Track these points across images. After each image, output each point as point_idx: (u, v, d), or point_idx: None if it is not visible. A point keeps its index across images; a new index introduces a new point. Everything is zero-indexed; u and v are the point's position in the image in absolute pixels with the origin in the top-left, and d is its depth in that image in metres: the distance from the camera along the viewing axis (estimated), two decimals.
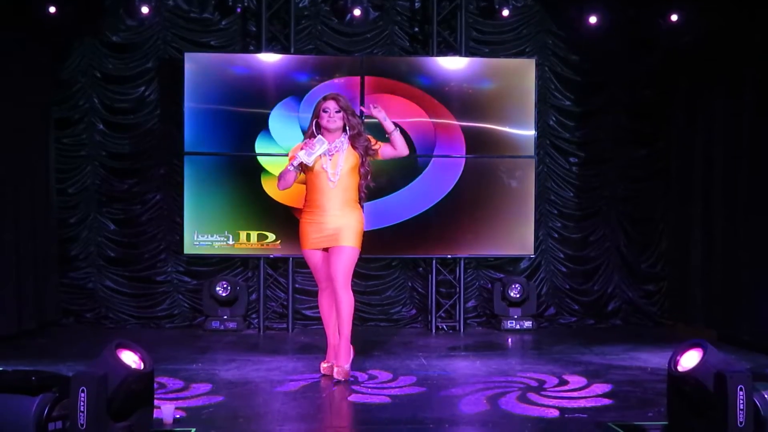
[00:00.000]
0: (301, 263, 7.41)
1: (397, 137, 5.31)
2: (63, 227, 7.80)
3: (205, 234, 7.43)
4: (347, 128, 5.31)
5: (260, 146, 7.46)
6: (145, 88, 7.88)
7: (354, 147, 5.30)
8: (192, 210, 7.43)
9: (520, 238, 7.65)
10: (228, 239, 7.45)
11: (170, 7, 7.85)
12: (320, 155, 5.19)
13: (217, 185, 7.46)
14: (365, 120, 7.31)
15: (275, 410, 4.64)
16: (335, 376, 5.26)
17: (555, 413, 4.51)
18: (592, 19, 7.67)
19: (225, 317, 7.57)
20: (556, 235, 8.22)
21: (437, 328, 7.76)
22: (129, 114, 7.91)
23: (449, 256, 7.77)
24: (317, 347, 6.41)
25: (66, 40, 7.70)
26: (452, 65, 7.63)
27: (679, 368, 3.88)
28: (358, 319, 8.00)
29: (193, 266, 7.95)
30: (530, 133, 7.65)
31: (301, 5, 7.93)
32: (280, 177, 5.28)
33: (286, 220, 7.29)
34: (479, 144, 7.61)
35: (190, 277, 7.97)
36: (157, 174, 7.91)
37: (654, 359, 6.11)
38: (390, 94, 7.51)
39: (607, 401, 4.81)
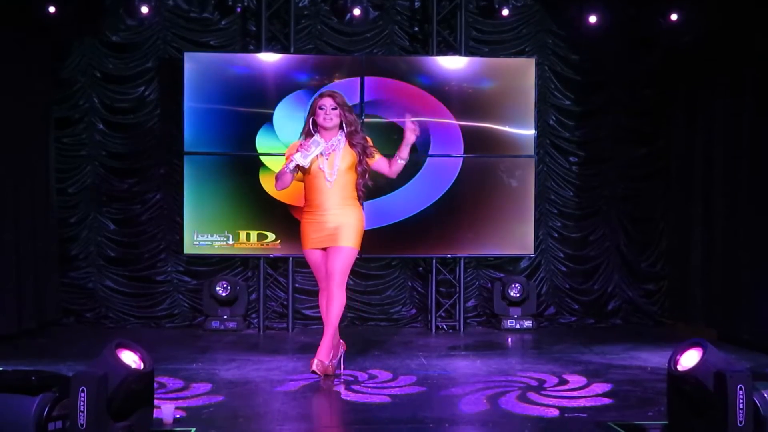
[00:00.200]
0: (301, 263, 7.41)
1: (401, 165, 5.32)
2: (63, 227, 7.80)
3: (205, 234, 7.43)
4: (344, 125, 5.28)
5: (261, 139, 7.44)
6: (145, 87, 7.88)
7: (351, 144, 5.27)
8: (192, 210, 7.43)
9: (519, 238, 7.66)
10: (228, 239, 7.45)
11: (170, 7, 7.86)
12: (316, 155, 5.16)
13: (217, 185, 7.46)
14: (365, 120, 7.38)
15: (275, 410, 4.64)
16: (313, 367, 5.13)
17: (555, 413, 4.51)
18: (592, 19, 7.67)
19: (225, 317, 7.57)
20: (556, 235, 8.23)
21: (437, 327, 7.77)
22: (129, 114, 7.91)
23: (449, 256, 7.77)
24: (317, 347, 6.39)
25: (66, 39, 7.70)
26: (452, 65, 7.63)
27: (679, 367, 3.88)
28: (359, 318, 8.01)
29: (193, 266, 7.95)
30: (530, 132, 7.65)
31: (300, 5, 7.93)
32: (278, 178, 5.26)
33: (286, 220, 7.29)
34: (479, 143, 7.61)
35: (190, 277, 7.97)
36: (157, 174, 7.91)
37: (654, 358, 6.11)
38: (389, 93, 7.51)
39: (607, 401, 4.81)
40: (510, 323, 7.72)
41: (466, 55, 7.79)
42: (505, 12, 7.81)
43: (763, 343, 6.39)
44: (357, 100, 7.43)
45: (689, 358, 3.86)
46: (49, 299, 7.48)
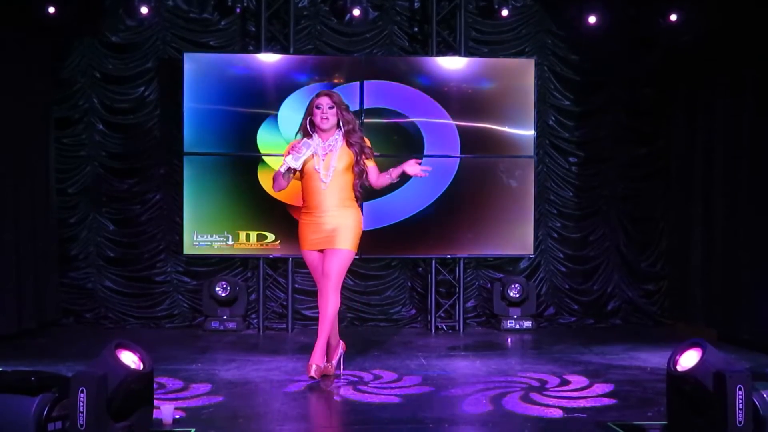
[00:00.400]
0: (301, 263, 7.41)
1: (387, 181, 5.31)
2: (63, 227, 7.80)
3: (204, 234, 7.43)
4: (341, 124, 5.23)
5: (263, 133, 7.43)
6: (145, 88, 7.89)
7: (349, 144, 5.23)
8: (191, 210, 7.43)
9: (519, 238, 7.66)
10: (227, 239, 7.45)
11: (170, 8, 7.86)
12: (312, 155, 5.14)
13: (217, 185, 7.46)
14: (364, 121, 7.37)
15: (275, 410, 4.64)
16: (311, 373, 5.08)
17: (555, 413, 4.51)
18: (592, 19, 7.67)
19: (225, 317, 7.57)
20: (556, 235, 8.23)
21: (437, 328, 7.77)
22: (129, 114, 7.91)
23: (449, 256, 7.77)
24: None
25: (66, 40, 7.70)
26: (452, 65, 7.63)
27: (679, 368, 3.88)
28: (358, 319, 8.01)
29: (192, 266, 7.95)
30: (530, 132, 7.65)
31: (300, 5, 7.93)
32: (274, 180, 5.23)
33: (286, 220, 7.29)
34: (479, 144, 7.61)
35: (190, 277, 7.97)
36: (157, 174, 7.91)
37: (654, 359, 6.11)
38: (389, 93, 7.51)
39: (606, 401, 4.81)
40: (510, 323, 7.72)
41: (465, 55, 7.80)
42: (505, 12, 7.81)
43: (762, 343, 6.39)
44: (357, 101, 7.42)
45: (689, 359, 3.86)
46: (49, 299, 7.48)
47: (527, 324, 7.72)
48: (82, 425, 3.54)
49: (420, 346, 6.92)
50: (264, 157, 7.45)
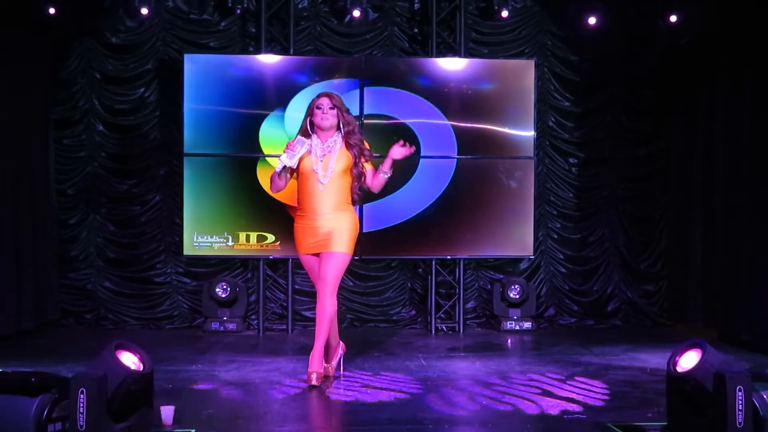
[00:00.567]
0: (301, 264, 7.40)
1: (383, 179, 5.25)
2: (62, 228, 7.81)
3: (204, 235, 7.43)
4: (341, 126, 5.22)
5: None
6: (145, 89, 7.89)
7: (348, 146, 5.21)
8: (191, 211, 7.43)
9: (519, 239, 7.65)
10: (227, 240, 7.45)
11: (170, 9, 7.86)
12: (308, 153, 5.11)
13: (217, 186, 7.46)
14: (364, 122, 7.38)
15: (275, 411, 4.64)
16: (313, 381, 5.08)
17: (554, 413, 4.51)
18: (592, 20, 7.67)
19: (225, 318, 7.57)
20: (556, 236, 8.23)
21: (437, 329, 7.76)
22: (129, 115, 7.91)
23: (449, 257, 7.77)
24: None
25: (66, 40, 7.71)
26: (452, 66, 7.64)
27: (678, 369, 3.88)
28: (358, 320, 8.01)
29: (192, 267, 7.95)
30: (530, 133, 7.65)
31: (300, 6, 7.94)
32: (272, 180, 5.22)
33: (286, 221, 7.25)
34: (478, 145, 7.61)
35: (190, 278, 7.97)
36: (157, 175, 7.91)
37: (653, 359, 6.11)
38: (389, 94, 7.51)
39: (606, 401, 4.81)
40: (509, 324, 7.72)
41: (465, 56, 7.80)
42: (505, 13, 7.81)
43: (762, 344, 6.39)
44: (357, 101, 7.43)
45: (688, 359, 3.86)
46: (49, 300, 7.49)
47: (527, 325, 7.72)
48: (82, 426, 3.54)
49: (420, 347, 6.93)
50: (265, 150, 7.41)
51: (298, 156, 5.08)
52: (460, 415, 4.54)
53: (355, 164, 5.22)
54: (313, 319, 7.53)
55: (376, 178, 5.26)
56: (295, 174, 5.24)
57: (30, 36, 7.25)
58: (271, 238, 7.45)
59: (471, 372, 5.75)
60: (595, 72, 8.12)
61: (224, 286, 7.59)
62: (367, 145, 5.32)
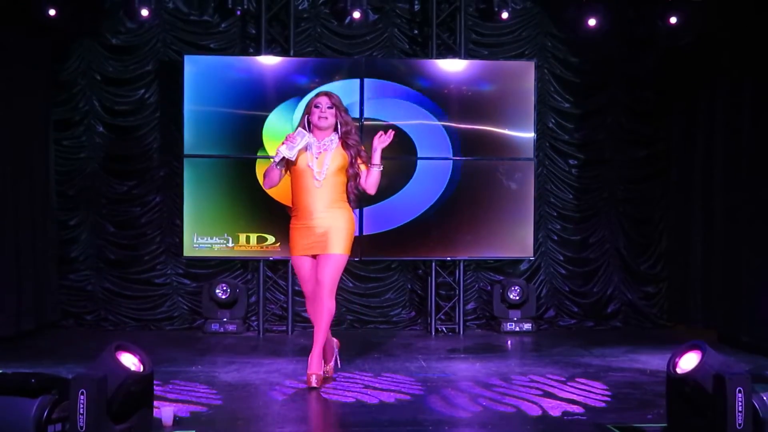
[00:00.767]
0: None
1: (376, 173, 5.17)
2: (62, 229, 7.80)
3: (204, 236, 7.43)
4: (339, 126, 5.19)
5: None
6: (145, 90, 7.89)
7: (346, 146, 5.17)
8: (191, 212, 7.43)
9: (519, 240, 7.65)
10: (227, 241, 7.45)
11: (170, 10, 7.86)
12: (304, 150, 5.07)
13: (217, 187, 7.46)
14: (364, 123, 7.38)
15: (275, 412, 4.64)
16: (313, 383, 5.07)
17: (554, 415, 4.51)
18: (592, 21, 7.66)
19: (224, 319, 7.57)
20: (556, 237, 8.23)
21: (437, 330, 7.76)
22: (129, 116, 7.91)
23: (449, 259, 7.77)
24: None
25: (66, 42, 7.70)
26: (452, 67, 7.64)
27: (678, 370, 3.89)
28: (358, 321, 8.01)
29: (192, 268, 7.95)
30: (530, 135, 7.65)
31: (300, 7, 7.94)
32: (266, 175, 5.17)
33: (286, 223, 7.16)
34: (478, 146, 7.61)
35: (190, 280, 7.97)
36: (157, 176, 7.91)
37: (654, 361, 6.11)
38: (389, 95, 7.52)
39: (606, 403, 4.81)
40: (509, 326, 7.71)
41: (465, 57, 7.80)
42: (505, 15, 7.80)
43: (763, 346, 6.39)
44: (357, 103, 7.43)
45: (688, 361, 3.87)
46: (49, 301, 7.48)
47: (527, 326, 7.72)
48: (82, 427, 3.54)
49: (420, 348, 6.93)
50: (264, 147, 7.39)
51: (298, 148, 5.03)
52: (460, 416, 4.54)
53: (351, 164, 5.18)
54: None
55: (369, 175, 5.19)
56: (288, 171, 5.19)
57: (30, 37, 7.25)
58: (271, 239, 7.45)
59: (471, 373, 5.75)
60: (595, 73, 8.13)
61: (224, 288, 7.59)
62: (362, 147, 5.27)
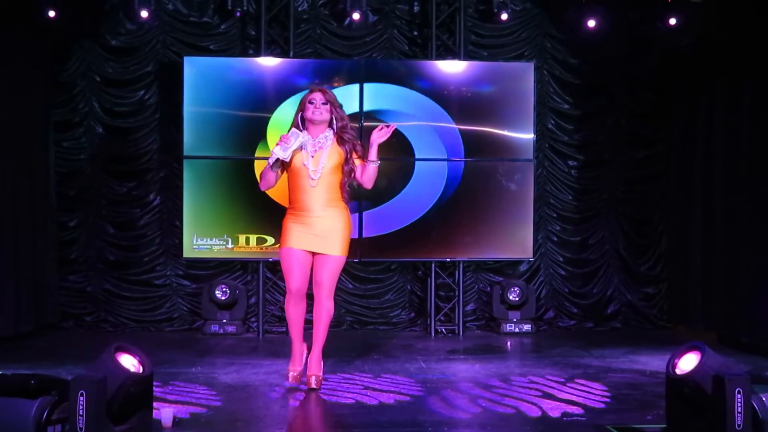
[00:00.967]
0: None
1: (372, 169, 5.09)
2: (62, 230, 7.80)
3: (204, 237, 7.44)
4: (334, 121, 5.11)
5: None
6: (145, 91, 7.89)
7: (341, 141, 5.09)
8: (191, 213, 7.43)
9: (519, 242, 7.65)
10: (227, 243, 7.45)
11: (170, 11, 7.86)
12: (299, 149, 4.98)
13: (217, 189, 7.46)
14: (363, 124, 7.38)
15: (274, 413, 4.64)
16: (312, 384, 5.06)
17: (554, 416, 4.52)
18: (591, 23, 7.66)
19: (224, 321, 7.57)
20: (556, 238, 8.23)
21: (436, 331, 7.76)
22: (128, 117, 7.91)
23: (448, 260, 7.77)
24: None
25: (66, 43, 7.70)
26: (451, 69, 7.64)
27: (678, 371, 3.89)
28: (358, 322, 8.01)
29: (192, 270, 7.95)
30: (529, 136, 7.65)
31: (300, 9, 7.94)
32: (262, 177, 5.10)
33: None
34: (478, 147, 7.61)
35: (190, 281, 7.97)
36: (157, 177, 7.91)
37: (653, 362, 6.11)
38: (388, 96, 7.52)
39: (605, 404, 4.81)
40: (509, 327, 7.71)
41: (465, 59, 7.80)
42: (504, 16, 7.80)
43: (762, 346, 6.39)
44: (356, 104, 7.44)
45: (688, 362, 3.87)
46: (48, 302, 7.48)
47: (527, 327, 7.72)
48: (81, 428, 3.55)
49: (419, 349, 6.93)
50: (268, 145, 7.36)
51: (292, 149, 4.93)
52: (460, 417, 4.54)
53: (347, 160, 5.11)
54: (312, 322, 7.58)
55: (365, 171, 5.12)
56: (284, 171, 5.12)
57: (30, 38, 7.25)
58: (270, 240, 7.45)
59: (471, 374, 5.76)
60: (595, 74, 8.13)
61: (224, 289, 7.59)
62: (359, 142, 5.20)
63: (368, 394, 5.05)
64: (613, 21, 7.73)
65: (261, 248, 7.47)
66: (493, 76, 7.67)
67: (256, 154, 7.42)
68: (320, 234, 5.04)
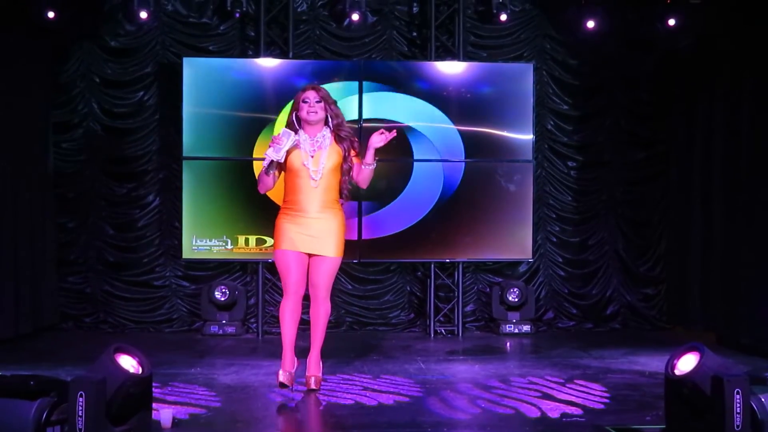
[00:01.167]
0: None
1: (368, 171, 5.02)
2: (62, 231, 7.80)
3: (203, 238, 7.44)
4: (329, 119, 5.03)
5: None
6: (144, 92, 7.89)
7: (338, 139, 5.03)
8: (191, 214, 7.43)
9: (518, 242, 7.66)
10: (226, 243, 7.45)
11: (169, 12, 7.87)
12: (296, 147, 4.92)
13: (216, 189, 7.47)
14: (363, 125, 7.39)
15: (273, 414, 4.64)
16: (312, 385, 5.05)
17: (553, 416, 4.52)
18: (590, 23, 7.67)
19: (224, 321, 7.57)
20: (555, 239, 8.23)
21: (436, 332, 7.76)
22: (128, 118, 7.92)
23: (448, 260, 7.77)
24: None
25: (65, 44, 7.71)
26: (450, 70, 7.64)
27: (677, 372, 3.89)
28: (357, 323, 8.01)
29: (191, 271, 7.95)
30: (528, 137, 7.66)
31: (299, 10, 7.95)
32: (259, 180, 5.04)
33: None
34: (477, 148, 7.62)
35: (189, 282, 7.97)
36: (156, 178, 7.92)
37: (652, 363, 6.11)
38: (388, 97, 7.52)
39: (605, 405, 4.82)
40: (508, 328, 7.72)
41: (464, 60, 7.81)
42: (504, 17, 7.81)
43: (761, 347, 6.39)
44: (356, 105, 7.44)
45: (687, 363, 3.87)
46: (48, 303, 7.48)
47: (526, 328, 7.72)
48: (80, 429, 3.55)
49: (419, 350, 6.93)
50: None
51: (285, 149, 4.86)
52: (459, 418, 4.54)
53: (345, 159, 5.05)
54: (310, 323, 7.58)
55: (361, 172, 5.07)
56: (281, 172, 5.06)
57: (30, 39, 7.26)
58: (270, 241, 7.45)
59: (470, 375, 5.76)
60: (594, 75, 8.13)
61: (223, 290, 7.59)
62: (356, 139, 5.15)
63: (367, 395, 5.05)
64: (612, 22, 7.74)
65: (260, 249, 7.48)
66: (492, 77, 7.67)
67: (255, 155, 7.42)
68: (315, 235, 4.99)
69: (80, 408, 3.54)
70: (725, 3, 6.96)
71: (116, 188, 7.91)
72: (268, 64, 7.56)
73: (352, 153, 5.08)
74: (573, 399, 4.95)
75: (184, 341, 7.29)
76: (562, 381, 5.48)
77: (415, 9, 8.05)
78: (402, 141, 7.49)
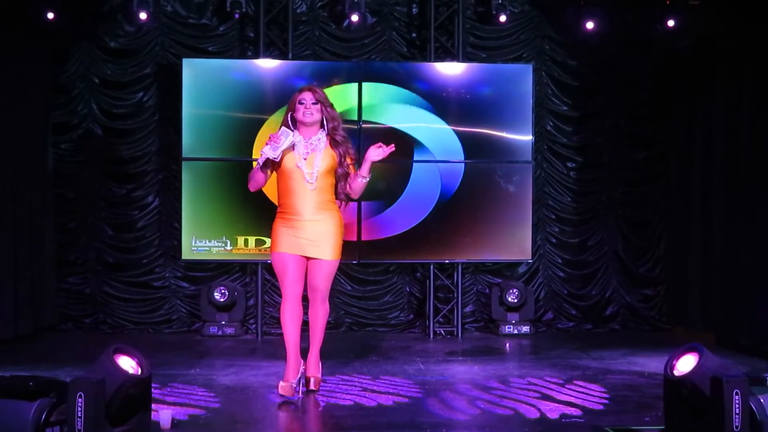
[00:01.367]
0: None
1: (362, 183, 4.94)
2: (61, 232, 7.80)
3: (203, 239, 7.44)
4: (325, 121, 4.97)
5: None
6: (144, 93, 7.89)
7: (334, 143, 4.96)
8: (190, 215, 7.43)
9: (517, 243, 7.66)
10: (226, 244, 7.45)
11: (168, 13, 7.87)
12: (291, 149, 4.84)
13: (216, 190, 7.47)
14: (362, 126, 7.39)
15: (273, 415, 4.64)
16: (311, 386, 5.03)
17: (552, 417, 4.52)
18: (590, 24, 7.67)
19: (223, 322, 7.57)
20: (554, 240, 8.23)
21: (435, 333, 7.76)
22: (127, 119, 7.92)
23: (447, 261, 7.77)
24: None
25: (64, 45, 7.71)
26: (450, 70, 7.64)
27: (676, 372, 3.90)
28: (356, 324, 8.00)
29: (191, 271, 7.95)
30: (528, 138, 7.66)
31: (299, 11, 7.95)
32: (251, 177, 4.97)
33: None
34: (477, 149, 7.62)
35: (188, 283, 7.97)
36: (156, 179, 7.92)
37: (652, 363, 6.11)
38: (387, 98, 7.52)
39: (604, 405, 4.82)
40: (508, 328, 7.72)
41: (463, 61, 7.81)
42: (503, 18, 7.80)
43: (761, 348, 6.39)
44: (355, 106, 7.44)
45: (686, 363, 3.87)
46: (47, 304, 7.48)
47: (525, 329, 7.72)
48: (80, 430, 3.55)
49: (418, 351, 6.93)
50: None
51: (283, 148, 4.79)
52: (458, 419, 4.54)
53: (341, 163, 4.97)
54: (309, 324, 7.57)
55: (354, 182, 4.99)
56: (273, 172, 4.99)
57: (29, 40, 7.26)
58: (269, 242, 7.38)
59: (469, 376, 5.76)
60: (594, 76, 8.13)
61: (222, 291, 7.59)
62: (351, 145, 5.07)
63: (367, 395, 5.05)
64: (611, 23, 7.74)
65: (260, 250, 7.48)
66: (491, 78, 7.67)
67: (254, 156, 7.41)
68: (312, 238, 4.92)
69: (79, 409, 3.54)
70: (725, 3, 6.96)
71: (116, 189, 7.91)
72: (268, 65, 7.56)
73: (348, 159, 5.00)
74: (572, 400, 4.95)
75: (183, 342, 7.29)
76: (561, 382, 5.49)
77: (414, 10, 8.06)
78: (402, 142, 7.49)
